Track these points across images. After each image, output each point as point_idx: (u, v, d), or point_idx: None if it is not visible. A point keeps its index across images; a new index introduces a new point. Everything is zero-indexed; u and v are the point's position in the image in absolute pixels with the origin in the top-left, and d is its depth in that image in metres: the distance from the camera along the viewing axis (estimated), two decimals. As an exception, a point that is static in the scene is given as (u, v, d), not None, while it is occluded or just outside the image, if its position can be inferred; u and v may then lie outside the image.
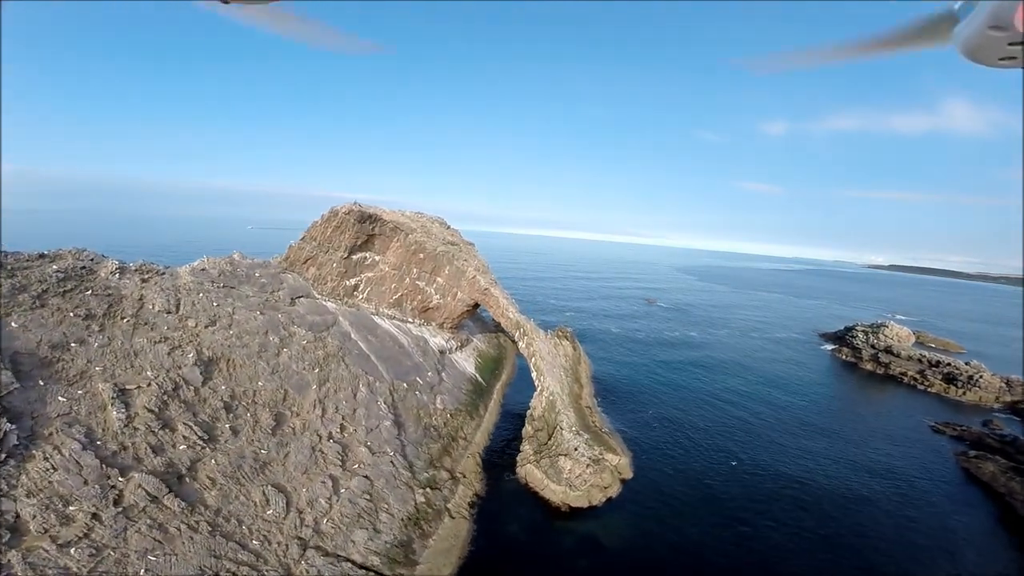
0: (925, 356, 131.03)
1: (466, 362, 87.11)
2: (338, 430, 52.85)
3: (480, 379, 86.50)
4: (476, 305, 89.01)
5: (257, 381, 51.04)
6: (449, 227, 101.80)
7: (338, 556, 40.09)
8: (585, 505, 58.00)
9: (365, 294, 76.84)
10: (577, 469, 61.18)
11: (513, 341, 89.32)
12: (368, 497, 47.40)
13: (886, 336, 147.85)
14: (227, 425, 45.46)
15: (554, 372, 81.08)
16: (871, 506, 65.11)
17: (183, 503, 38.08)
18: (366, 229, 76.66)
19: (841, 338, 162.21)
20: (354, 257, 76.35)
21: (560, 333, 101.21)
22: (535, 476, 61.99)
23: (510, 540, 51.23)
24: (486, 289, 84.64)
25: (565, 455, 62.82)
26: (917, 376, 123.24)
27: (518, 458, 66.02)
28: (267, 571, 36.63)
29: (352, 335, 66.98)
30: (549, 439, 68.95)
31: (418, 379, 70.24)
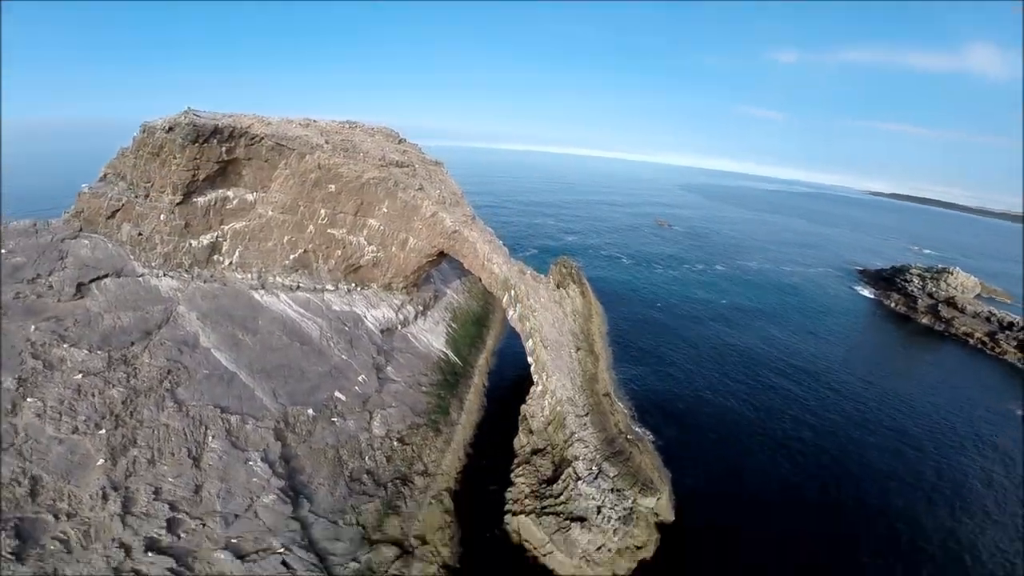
0: (995, 314, 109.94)
1: (431, 334, 62.29)
2: (160, 530, 29.69)
3: (454, 357, 62.26)
4: (443, 254, 62.57)
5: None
6: (402, 141, 72.86)
7: None
8: None
9: (234, 257, 49.40)
10: (599, 539, 39.32)
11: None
12: None
13: (949, 285, 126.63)
14: None
15: (562, 356, 56.48)
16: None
17: None
18: (214, 153, 47.16)
19: (888, 280, 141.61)
20: (200, 200, 47.42)
21: (563, 270, 75.32)
22: (533, 535, 40.62)
23: None
24: (455, 232, 58.01)
25: (582, 521, 40.04)
26: (986, 339, 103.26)
27: (508, 497, 44.71)
28: None
29: (202, 337, 41.75)
30: (555, 475, 46.46)
31: (338, 395, 45.92)
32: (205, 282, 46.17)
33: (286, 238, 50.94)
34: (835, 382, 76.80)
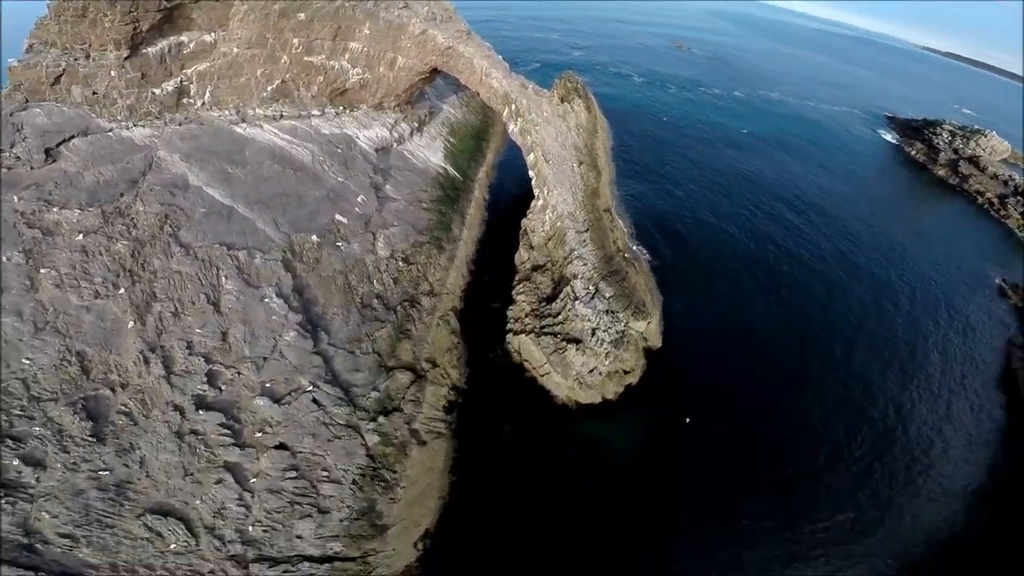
0: (1014, 179, 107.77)
1: (428, 150, 60.11)
2: (203, 385, 33.46)
3: (453, 171, 61.16)
4: (436, 71, 56.84)
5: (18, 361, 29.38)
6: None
7: (290, 559, 30.00)
8: (597, 401, 43.73)
9: (206, 97, 45.22)
10: (592, 362, 44.08)
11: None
12: (295, 472, 32.63)
13: (978, 145, 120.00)
14: (14, 462, 27.26)
15: (564, 170, 55.16)
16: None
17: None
18: (152, 3, 41.35)
19: (917, 130, 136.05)
20: (151, 50, 42.54)
21: (568, 84, 69.02)
22: (532, 354, 45.73)
23: (500, 456, 39.40)
24: (448, 48, 52.43)
25: (577, 343, 44.27)
26: (995, 200, 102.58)
27: (509, 316, 48.83)
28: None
29: (190, 177, 40.83)
30: (554, 292, 49.70)
31: (339, 218, 46.47)
32: (180, 124, 43.40)
33: (259, 71, 46.16)
34: (837, 220, 77.19)
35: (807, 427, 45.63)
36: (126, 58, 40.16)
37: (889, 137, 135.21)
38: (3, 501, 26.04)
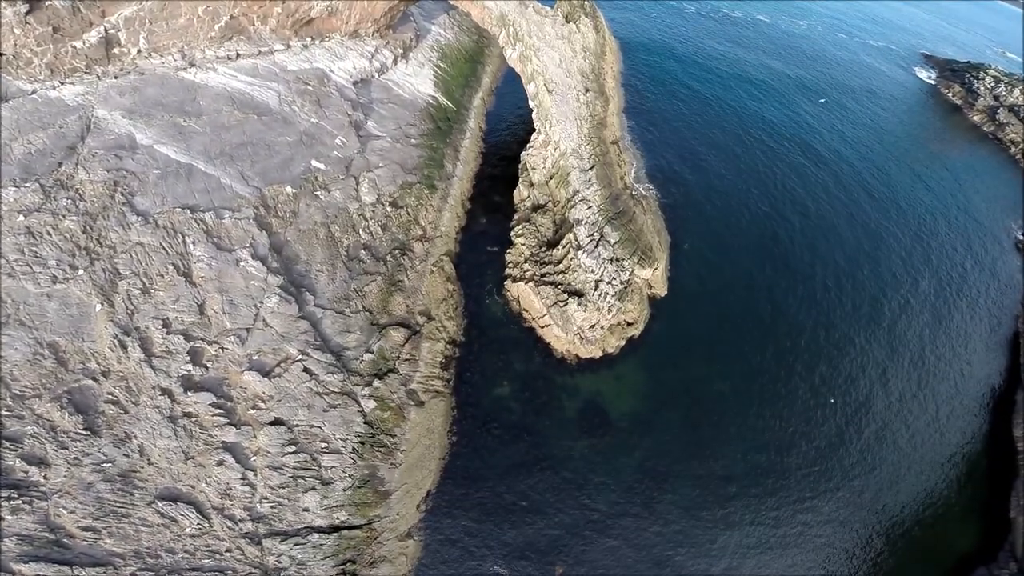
0: None
1: (416, 79, 53.28)
2: (187, 365, 31.05)
3: (445, 101, 54.76)
4: None
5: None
6: None
7: (299, 531, 29.92)
8: (598, 355, 41.29)
9: (140, 43, 37.84)
10: (594, 317, 41.21)
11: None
12: (294, 447, 31.42)
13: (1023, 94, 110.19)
14: (16, 462, 26.20)
15: (568, 101, 49.12)
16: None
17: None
18: None
19: (957, 72, 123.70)
20: (57, 1, 34.42)
21: (572, 2, 59.54)
22: (532, 304, 43.00)
23: (499, 413, 38.04)
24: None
25: (579, 296, 41.06)
26: None
27: (508, 260, 45.45)
28: (246, 578, 28.78)
29: (138, 136, 35.88)
30: (555, 237, 46.07)
31: (315, 164, 41.67)
32: (116, 77, 37.31)
33: (201, 8, 38.54)
34: (856, 165, 72.22)
35: (802, 395, 43.89)
36: (27, 13, 33.69)
37: (924, 76, 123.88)
38: (20, 501, 25.31)
